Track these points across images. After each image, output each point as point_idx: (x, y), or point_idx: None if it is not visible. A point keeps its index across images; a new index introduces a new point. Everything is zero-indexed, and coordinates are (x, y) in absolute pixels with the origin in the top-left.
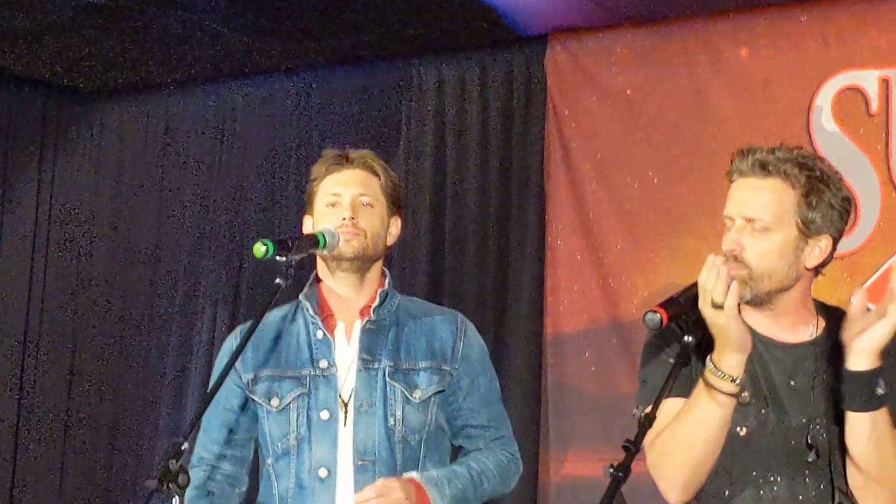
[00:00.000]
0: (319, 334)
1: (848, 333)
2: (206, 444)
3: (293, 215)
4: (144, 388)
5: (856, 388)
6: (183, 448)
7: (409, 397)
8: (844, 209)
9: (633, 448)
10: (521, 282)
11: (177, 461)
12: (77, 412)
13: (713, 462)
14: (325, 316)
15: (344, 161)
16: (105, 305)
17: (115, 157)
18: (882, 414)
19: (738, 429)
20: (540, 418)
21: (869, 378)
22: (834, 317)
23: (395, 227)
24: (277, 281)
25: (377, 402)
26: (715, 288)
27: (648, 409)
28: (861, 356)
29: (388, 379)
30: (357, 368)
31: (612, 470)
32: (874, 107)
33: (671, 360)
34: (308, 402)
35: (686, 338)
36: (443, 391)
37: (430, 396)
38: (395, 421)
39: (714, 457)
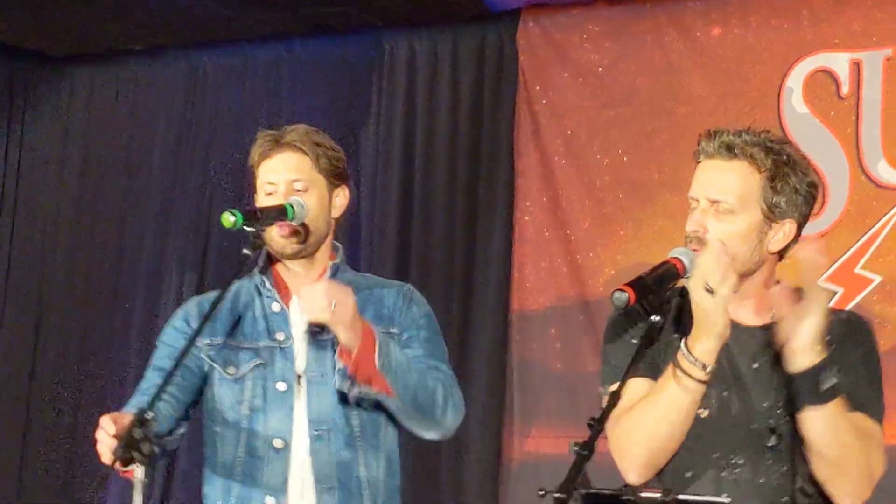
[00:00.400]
0: (276, 307)
1: (779, 337)
2: (152, 378)
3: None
4: (110, 356)
5: (802, 387)
6: (148, 416)
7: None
8: (810, 194)
9: (598, 426)
10: (489, 257)
11: (141, 430)
12: (41, 381)
13: (676, 445)
14: (280, 288)
15: (274, 145)
16: (70, 271)
17: (83, 122)
18: (834, 405)
19: (700, 410)
20: (505, 395)
21: (813, 374)
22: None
23: (341, 197)
24: (245, 251)
25: (328, 371)
26: (713, 272)
27: (615, 387)
28: (799, 355)
29: (336, 348)
30: (307, 341)
31: (576, 448)
32: (845, 89)
33: (634, 341)
34: (265, 374)
35: (653, 318)
36: None
37: None
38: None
39: (678, 440)
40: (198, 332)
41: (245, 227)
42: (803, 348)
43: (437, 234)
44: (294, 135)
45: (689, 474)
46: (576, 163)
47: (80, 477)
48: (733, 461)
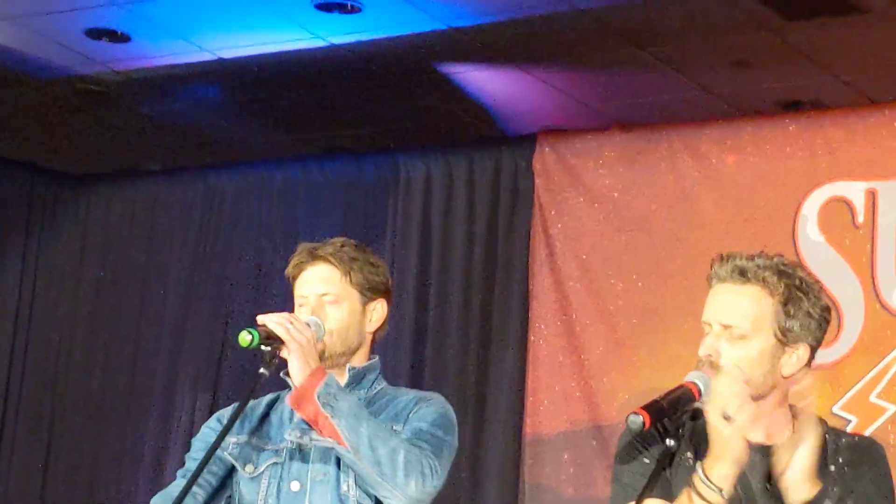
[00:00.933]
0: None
1: (774, 471)
2: (178, 483)
3: (278, 304)
4: (122, 474)
5: None
6: None
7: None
8: (823, 318)
9: None
10: (502, 380)
11: None
12: (53, 500)
13: None
14: None
15: (309, 257)
16: (85, 387)
17: (100, 241)
18: None
19: None
20: None
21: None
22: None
23: (379, 311)
24: (261, 370)
25: (331, 470)
26: (731, 400)
27: None
28: (792, 489)
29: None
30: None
31: None
32: (860, 218)
33: (647, 461)
34: (280, 473)
35: (668, 441)
36: None
37: None
38: (347, 486)
39: None
40: (214, 448)
41: (262, 347)
42: (796, 482)
43: (451, 355)
44: (328, 248)
45: None
46: (590, 287)
47: None
48: None
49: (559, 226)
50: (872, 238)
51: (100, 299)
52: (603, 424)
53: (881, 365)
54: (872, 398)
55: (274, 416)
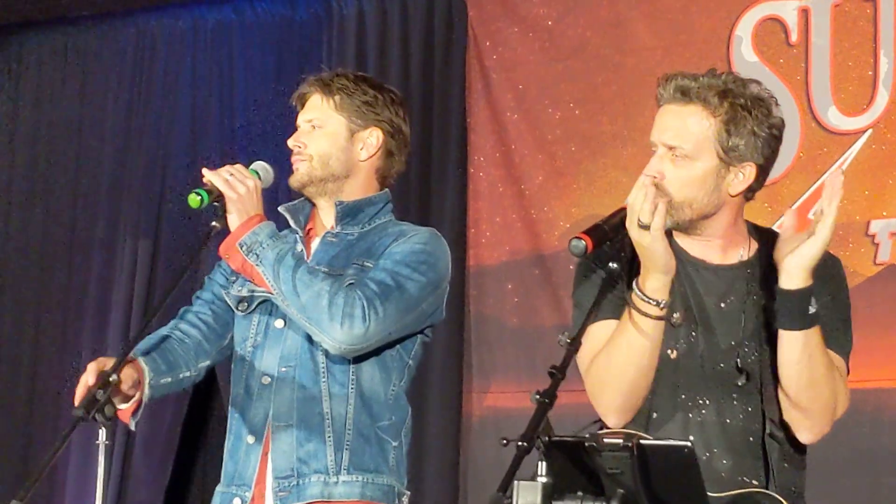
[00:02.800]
0: (298, 247)
1: (780, 253)
2: (191, 307)
3: (215, 147)
4: (65, 322)
5: (788, 307)
6: (111, 380)
7: None
8: (772, 136)
9: (559, 374)
10: (444, 214)
11: (104, 392)
12: None
13: (648, 384)
14: (308, 229)
15: (305, 88)
16: (24, 240)
17: (33, 91)
18: (814, 332)
19: (669, 351)
20: (463, 350)
21: (801, 296)
22: (766, 239)
23: (372, 140)
24: (213, 223)
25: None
26: (643, 208)
27: (574, 335)
28: (793, 274)
29: None
30: None
31: (537, 396)
32: (793, 37)
33: (602, 281)
34: (270, 310)
35: (611, 264)
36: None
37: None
38: None
39: (648, 379)
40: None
41: (214, 203)
42: (803, 267)
43: (392, 191)
44: (323, 76)
45: (655, 416)
46: (527, 117)
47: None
48: (700, 402)
49: (494, 57)
50: (806, 57)
51: (35, 150)
52: (545, 253)
53: (818, 183)
54: (811, 216)
55: None
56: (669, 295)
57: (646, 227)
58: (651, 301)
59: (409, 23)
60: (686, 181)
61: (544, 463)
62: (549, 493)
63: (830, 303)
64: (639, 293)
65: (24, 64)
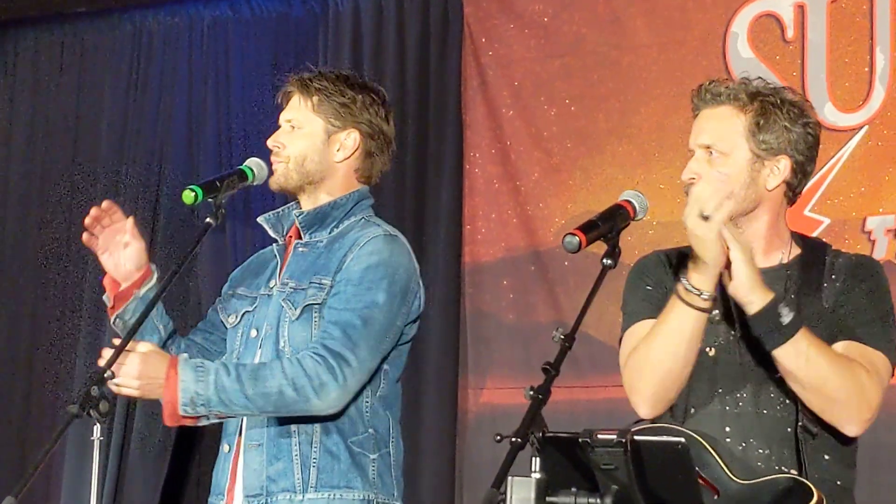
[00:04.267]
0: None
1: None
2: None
3: (212, 146)
4: (62, 321)
5: (763, 328)
6: (106, 375)
7: (291, 316)
8: (807, 133)
9: (553, 370)
10: (440, 210)
11: (98, 388)
12: None
13: (685, 377)
14: (290, 237)
15: (288, 87)
16: (20, 237)
17: (29, 87)
18: (801, 338)
19: (708, 349)
20: (459, 347)
21: (767, 314)
22: (810, 246)
23: (349, 142)
24: (208, 220)
25: (273, 325)
26: (710, 198)
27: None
28: (746, 301)
29: (282, 301)
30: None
31: (531, 392)
32: (790, 33)
33: (649, 288)
34: (250, 321)
35: (604, 261)
36: (318, 304)
37: (304, 309)
38: (283, 342)
39: (686, 372)
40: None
41: (208, 200)
42: (747, 291)
43: (387, 189)
44: (303, 76)
45: (693, 411)
46: (523, 113)
47: (34, 434)
48: (737, 394)
49: (490, 53)
50: (803, 53)
51: (32, 146)
52: (540, 250)
53: (814, 179)
54: (807, 212)
55: (259, 261)
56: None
57: (706, 218)
58: (695, 291)
59: (404, 19)
60: (723, 177)
61: (538, 459)
62: (543, 488)
63: (864, 300)
64: (685, 283)
65: (20, 60)
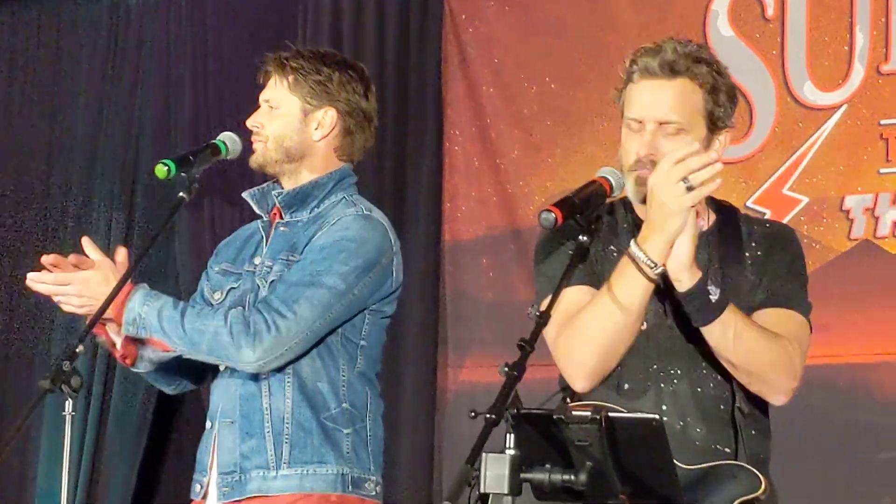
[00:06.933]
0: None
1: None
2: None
3: (188, 119)
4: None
5: (694, 306)
6: (77, 350)
7: (259, 295)
8: (735, 97)
9: (528, 347)
10: (419, 188)
11: (70, 363)
12: None
13: (623, 350)
14: (273, 214)
15: (265, 66)
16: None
17: (5, 63)
18: (729, 314)
19: (641, 324)
20: (438, 325)
21: (697, 292)
22: (723, 210)
23: (326, 120)
24: (181, 194)
25: (248, 303)
26: (704, 172)
27: (544, 307)
28: (678, 277)
29: (257, 280)
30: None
31: (506, 368)
32: (770, 11)
33: (570, 253)
34: (235, 299)
35: (581, 237)
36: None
37: (270, 284)
38: None
39: (625, 344)
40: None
41: (182, 174)
42: (682, 267)
43: (367, 166)
44: (280, 55)
45: (627, 386)
46: (503, 91)
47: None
48: (672, 372)
49: (471, 31)
50: (783, 31)
51: (9, 121)
52: (520, 228)
53: (793, 157)
54: (785, 191)
55: (245, 237)
56: None
57: (689, 188)
58: (650, 263)
59: None
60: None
61: (513, 435)
62: (518, 465)
63: (784, 268)
64: (637, 251)
65: None
